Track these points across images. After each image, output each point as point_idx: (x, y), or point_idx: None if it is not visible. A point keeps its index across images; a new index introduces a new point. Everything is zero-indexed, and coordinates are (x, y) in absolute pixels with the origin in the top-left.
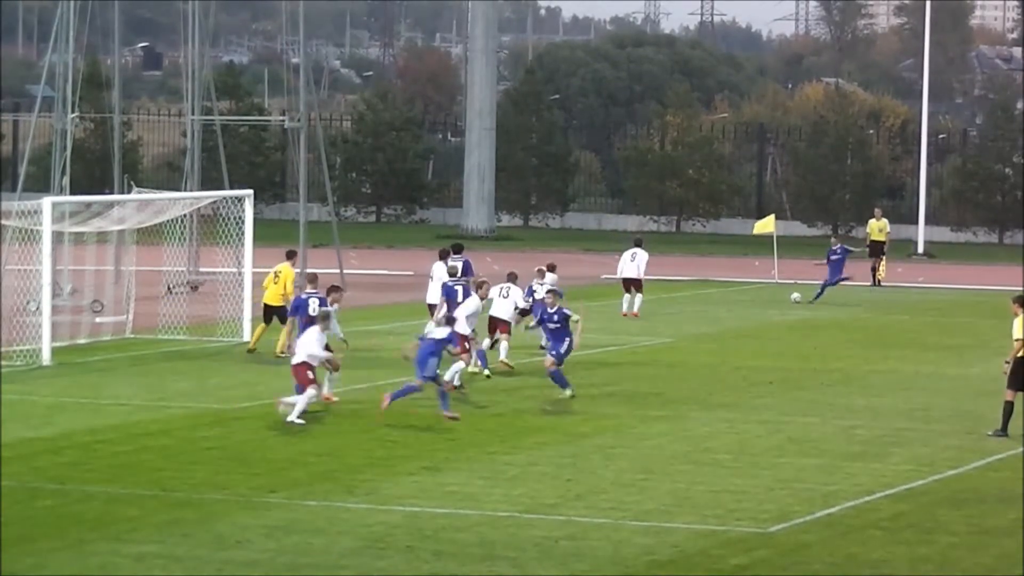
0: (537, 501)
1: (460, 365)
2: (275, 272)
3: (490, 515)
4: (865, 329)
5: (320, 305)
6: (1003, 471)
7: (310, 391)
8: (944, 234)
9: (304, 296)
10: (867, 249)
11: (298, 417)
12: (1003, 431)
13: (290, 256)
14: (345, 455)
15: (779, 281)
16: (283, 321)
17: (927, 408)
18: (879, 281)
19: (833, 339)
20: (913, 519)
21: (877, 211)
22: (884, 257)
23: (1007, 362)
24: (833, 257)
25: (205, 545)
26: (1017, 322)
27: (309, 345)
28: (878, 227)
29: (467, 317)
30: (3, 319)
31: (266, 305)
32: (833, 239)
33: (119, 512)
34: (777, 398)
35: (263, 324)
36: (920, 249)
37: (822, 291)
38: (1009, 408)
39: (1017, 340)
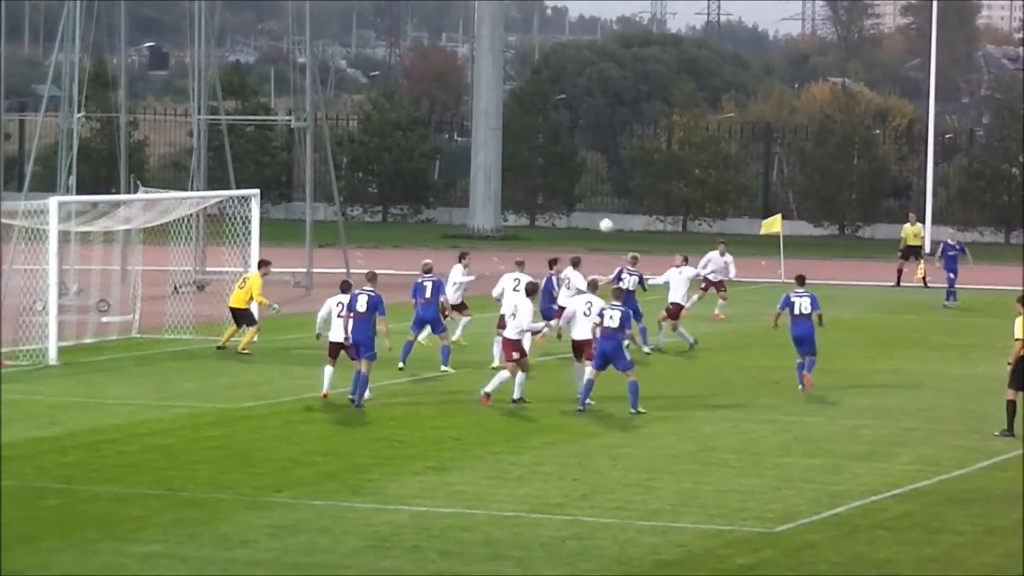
0: (543, 501)
1: (521, 376)
2: (243, 279)
3: (496, 515)
4: (870, 329)
5: (370, 302)
6: (1009, 471)
7: (506, 373)
8: (950, 234)
9: (356, 292)
10: (900, 252)
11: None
12: (1009, 431)
13: (261, 265)
14: (351, 455)
15: (785, 280)
16: (245, 324)
17: (933, 408)
18: (925, 281)
19: (839, 339)
20: (919, 519)
21: (912, 216)
22: (923, 260)
23: (1009, 363)
24: (950, 252)
25: (210, 545)
26: (1018, 322)
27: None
28: (913, 232)
29: (526, 322)
30: (10, 319)
31: (231, 308)
32: (952, 230)
33: (124, 512)
34: (783, 398)
35: (233, 326)
36: (927, 249)
37: (951, 292)
38: (1012, 408)
39: (1018, 340)
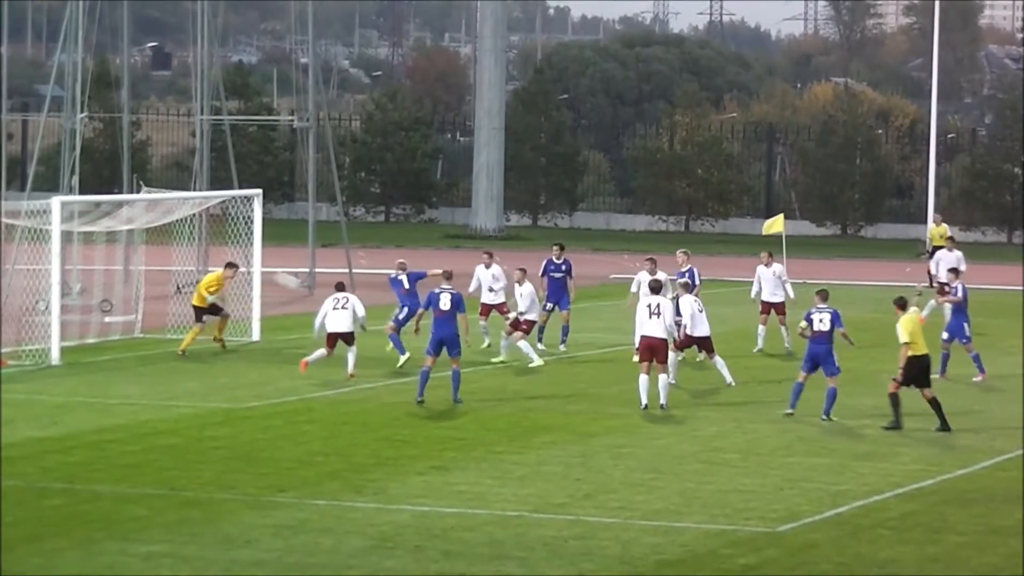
0: (546, 501)
1: (664, 380)
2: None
3: (499, 514)
4: (873, 328)
5: (452, 300)
6: (1011, 471)
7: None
8: (953, 234)
9: (437, 291)
10: (928, 254)
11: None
12: (896, 424)
13: (229, 266)
14: (353, 455)
15: (789, 280)
16: (217, 315)
17: None
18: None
19: (841, 339)
20: (921, 519)
21: (937, 217)
22: None
23: (901, 367)
24: None
25: (213, 545)
26: (899, 326)
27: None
28: (939, 232)
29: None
30: (13, 319)
31: (202, 307)
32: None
33: (127, 512)
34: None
35: (215, 320)
36: (929, 248)
37: None
38: (895, 400)
39: (904, 343)
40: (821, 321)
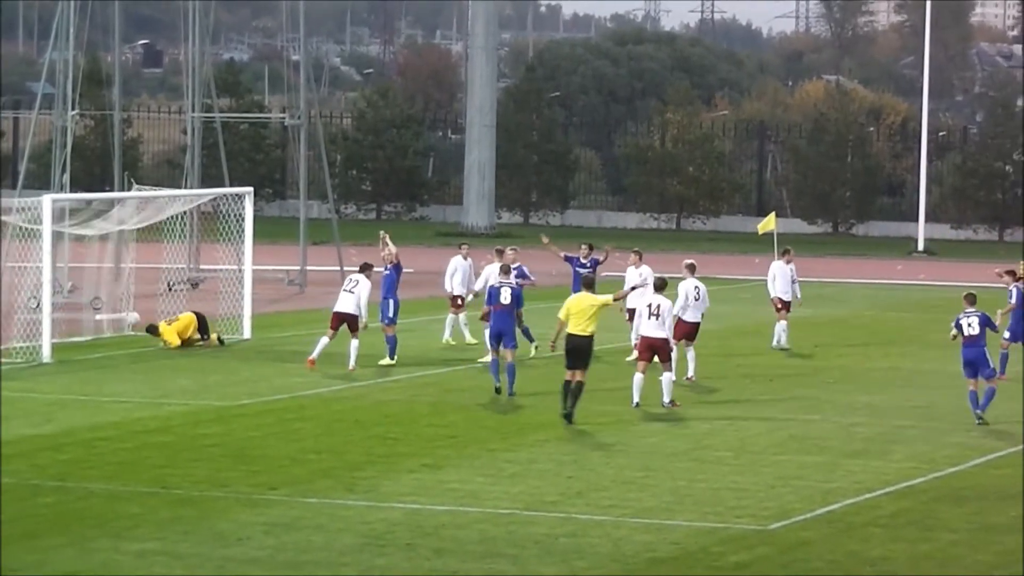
0: (538, 498)
1: (668, 377)
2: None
3: (491, 512)
4: (866, 327)
5: (512, 294)
6: (1004, 468)
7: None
8: (944, 231)
9: (497, 285)
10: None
11: None
12: (569, 413)
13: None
14: (345, 452)
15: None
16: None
17: (928, 405)
18: None
19: (834, 337)
20: (914, 516)
21: None
22: None
23: (552, 343)
24: None
25: (206, 542)
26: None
27: None
28: None
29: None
30: (4, 316)
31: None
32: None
33: (120, 509)
34: (778, 395)
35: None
36: (920, 246)
37: None
38: (567, 387)
39: (559, 320)
40: (970, 325)
